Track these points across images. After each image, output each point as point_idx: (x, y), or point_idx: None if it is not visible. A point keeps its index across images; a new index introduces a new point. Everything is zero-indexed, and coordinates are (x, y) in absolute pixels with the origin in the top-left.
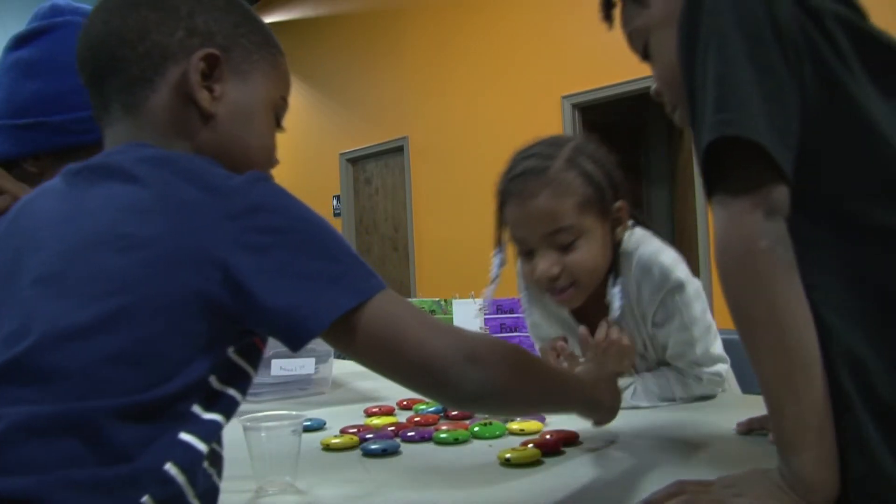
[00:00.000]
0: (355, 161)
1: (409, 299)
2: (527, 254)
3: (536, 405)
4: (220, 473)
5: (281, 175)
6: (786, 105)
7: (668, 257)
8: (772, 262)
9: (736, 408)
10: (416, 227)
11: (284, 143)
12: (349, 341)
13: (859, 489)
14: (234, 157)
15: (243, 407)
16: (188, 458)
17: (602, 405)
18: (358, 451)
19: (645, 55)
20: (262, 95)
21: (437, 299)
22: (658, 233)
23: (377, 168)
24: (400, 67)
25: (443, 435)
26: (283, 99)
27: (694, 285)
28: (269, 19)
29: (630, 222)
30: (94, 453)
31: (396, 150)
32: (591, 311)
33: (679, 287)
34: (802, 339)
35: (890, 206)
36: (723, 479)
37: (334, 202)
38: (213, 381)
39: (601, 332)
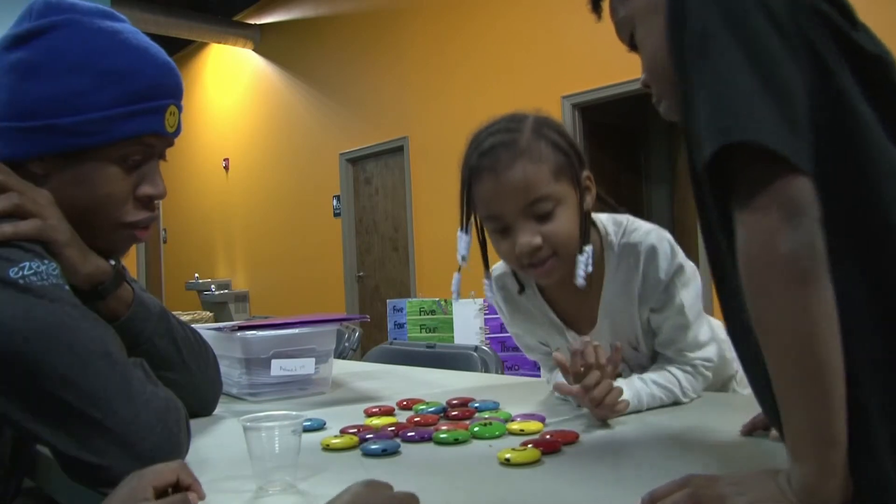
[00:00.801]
0: (355, 161)
1: (409, 299)
2: (502, 231)
3: None
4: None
5: (281, 175)
6: (791, 92)
7: (669, 241)
8: (794, 271)
9: (740, 408)
10: (416, 227)
11: (284, 143)
12: None
13: (866, 496)
14: None
15: (243, 407)
16: None
17: None
18: (358, 451)
19: (632, 45)
20: None
21: (437, 299)
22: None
23: (377, 168)
24: (400, 67)
25: (443, 435)
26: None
27: (690, 267)
28: (269, 19)
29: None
30: None
31: (396, 150)
32: (573, 304)
33: (681, 270)
34: (824, 354)
35: None
36: (730, 476)
37: (334, 202)
38: None
39: (576, 360)
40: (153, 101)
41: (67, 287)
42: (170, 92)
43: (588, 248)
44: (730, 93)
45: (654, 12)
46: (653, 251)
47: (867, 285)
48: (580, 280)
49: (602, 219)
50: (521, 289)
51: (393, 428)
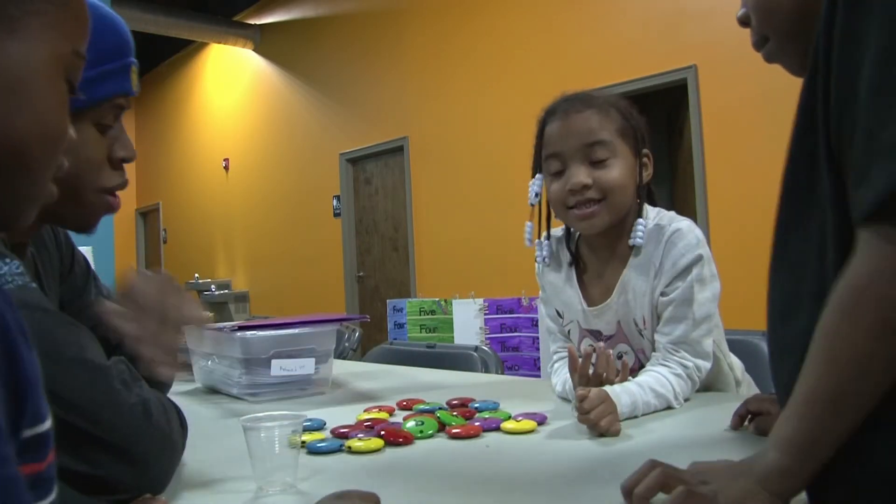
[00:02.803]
0: (355, 161)
1: (409, 299)
2: (558, 173)
3: None
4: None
5: (281, 175)
6: None
7: (697, 234)
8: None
9: (736, 406)
10: (416, 227)
11: (284, 143)
12: None
13: None
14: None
15: (243, 407)
16: None
17: None
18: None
19: None
20: (42, 53)
21: (437, 299)
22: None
23: (377, 168)
24: (400, 67)
25: (410, 424)
26: (77, 53)
27: (711, 269)
28: (269, 19)
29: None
30: None
31: (396, 150)
32: (598, 275)
33: (699, 262)
34: (872, 390)
35: None
36: (695, 465)
37: (334, 202)
38: None
39: (582, 367)
40: (120, 61)
41: (34, 285)
42: (131, 50)
43: (642, 221)
44: None
45: None
46: (678, 234)
47: None
48: (637, 240)
49: (646, 205)
50: (572, 261)
51: (369, 423)
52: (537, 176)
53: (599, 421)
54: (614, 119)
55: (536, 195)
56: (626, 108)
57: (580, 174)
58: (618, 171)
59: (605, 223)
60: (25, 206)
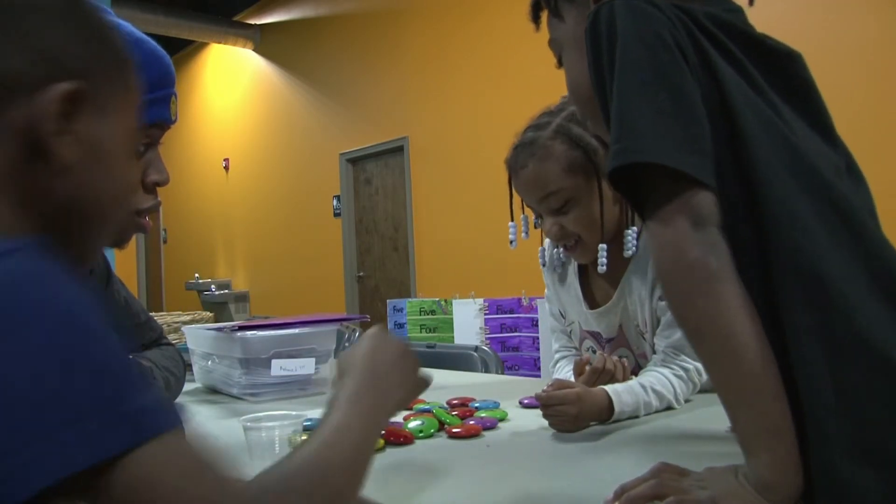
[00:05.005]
0: (355, 161)
1: (409, 299)
2: (540, 217)
3: None
4: None
5: (281, 175)
6: (692, 110)
7: None
8: (706, 272)
9: None
10: (416, 227)
11: (284, 143)
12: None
13: (816, 487)
14: (84, 211)
15: (243, 407)
16: None
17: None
18: None
19: (560, 63)
20: (121, 129)
21: (437, 299)
22: None
23: (377, 168)
24: (400, 67)
25: (411, 424)
26: (140, 127)
27: None
28: (269, 19)
29: None
30: None
31: (396, 150)
32: (600, 278)
33: None
34: (749, 345)
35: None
36: (703, 471)
37: (334, 202)
38: None
39: (598, 361)
40: (161, 91)
41: None
42: (172, 81)
43: (633, 231)
44: (634, 114)
45: (575, 46)
46: None
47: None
48: (601, 268)
49: None
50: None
51: None
52: (511, 223)
53: (555, 421)
54: (559, 157)
55: (512, 241)
56: (573, 133)
57: (548, 225)
58: (579, 211)
59: (593, 253)
60: (98, 246)
